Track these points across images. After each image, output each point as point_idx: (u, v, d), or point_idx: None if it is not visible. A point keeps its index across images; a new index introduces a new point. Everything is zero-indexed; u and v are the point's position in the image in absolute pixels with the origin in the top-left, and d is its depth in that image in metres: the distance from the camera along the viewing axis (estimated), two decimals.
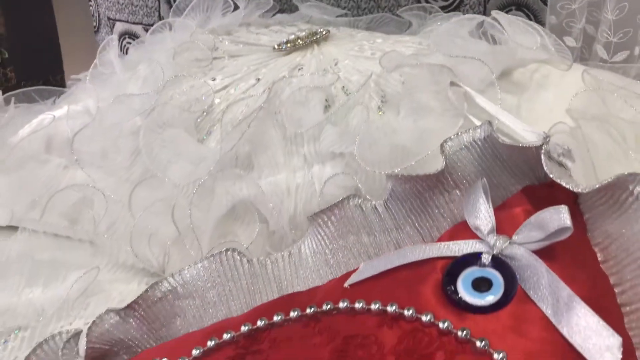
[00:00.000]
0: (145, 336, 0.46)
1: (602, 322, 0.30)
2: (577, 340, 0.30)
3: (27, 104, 0.82)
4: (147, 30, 0.94)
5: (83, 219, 0.64)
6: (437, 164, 0.42)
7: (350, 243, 0.45)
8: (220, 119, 0.60)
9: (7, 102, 0.90)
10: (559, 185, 0.39)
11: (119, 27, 1.11)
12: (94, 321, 0.45)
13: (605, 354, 0.29)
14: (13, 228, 0.66)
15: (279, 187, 0.54)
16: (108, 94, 0.68)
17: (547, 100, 0.57)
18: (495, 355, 0.30)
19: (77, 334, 0.46)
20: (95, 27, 1.22)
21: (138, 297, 0.45)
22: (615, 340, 0.29)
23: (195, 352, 0.36)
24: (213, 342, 0.37)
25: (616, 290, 0.35)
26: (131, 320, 0.46)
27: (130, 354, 0.46)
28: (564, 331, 0.31)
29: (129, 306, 0.45)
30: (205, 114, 0.62)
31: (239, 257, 0.46)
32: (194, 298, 0.46)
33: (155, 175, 0.57)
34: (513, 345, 0.31)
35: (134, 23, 1.10)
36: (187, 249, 0.56)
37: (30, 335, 0.55)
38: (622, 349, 0.29)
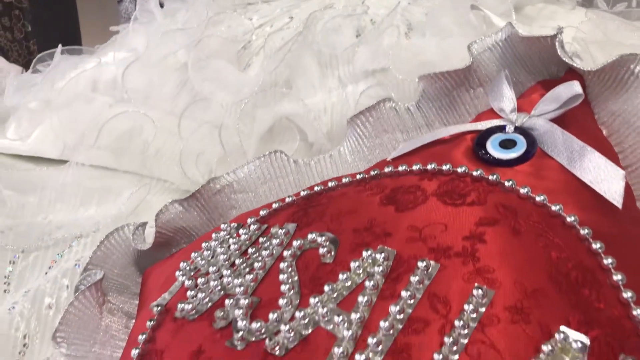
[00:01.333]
0: (205, 225, 0.52)
1: (608, 161, 0.36)
2: (588, 177, 0.36)
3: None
4: None
5: (130, 149, 0.70)
6: None
7: (386, 140, 0.51)
8: (257, 53, 0.66)
9: (41, 61, 0.97)
10: (570, 77, 0.45)
11: None
12: (160, 210, 0.51)
13: (611, 185, 0.35)
14: (64, 162, 0.72)
15: (316, 106, 0.60)
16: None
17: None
18: (522, 190, 0.36)
19: (144, 225, 0.52)
20: None
21: (200, 187, 0.51)
22: (619, 173, 0.35)
23: (262, 212, 0.43)
24: (277, 205, 0.43)
25: (620, 156, 0.42)
26: (193, 209, 0.52)
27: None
28: (578, 173, 0.37)
29: (192, 196, 0.51)
30: (244, 49, 0.68)
31: (286, 157, 0.53)
32: (248, 192, 0.52)
33: (202, 99, 0.63)
34: (535, 185, 0.37)
35: None
36: (233, 166, 0.62)
37: (91, 241, 0.61)
38: (625, 179, 0.35)
